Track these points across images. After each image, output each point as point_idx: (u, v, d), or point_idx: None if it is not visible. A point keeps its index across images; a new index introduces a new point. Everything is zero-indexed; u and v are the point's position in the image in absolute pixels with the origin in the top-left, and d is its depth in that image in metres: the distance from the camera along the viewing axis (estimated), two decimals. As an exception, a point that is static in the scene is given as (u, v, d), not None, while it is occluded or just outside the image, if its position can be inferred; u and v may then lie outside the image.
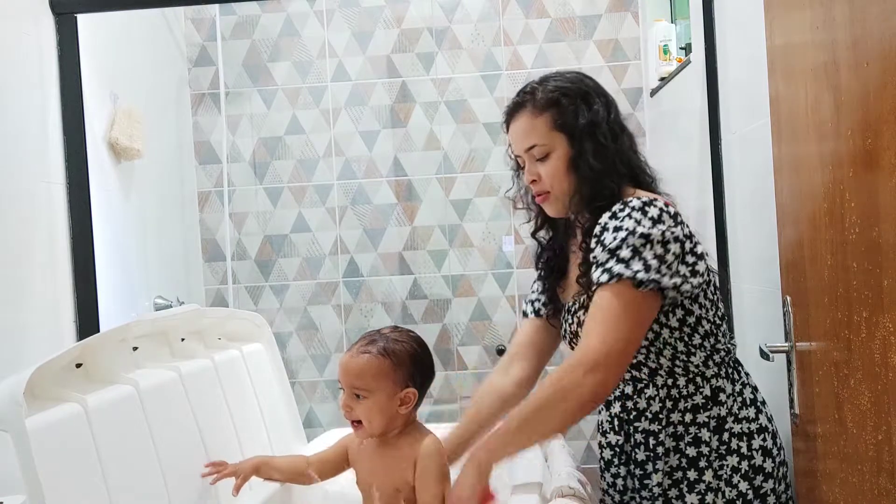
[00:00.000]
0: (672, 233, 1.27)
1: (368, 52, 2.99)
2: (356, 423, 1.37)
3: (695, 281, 1.30)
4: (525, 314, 1.63)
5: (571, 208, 1.39)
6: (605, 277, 1.25)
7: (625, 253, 1.25)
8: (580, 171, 1.35)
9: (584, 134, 1.36)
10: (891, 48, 0.94)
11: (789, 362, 1.38)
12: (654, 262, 1.24)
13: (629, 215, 1.27)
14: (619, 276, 1.24)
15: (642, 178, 1.42)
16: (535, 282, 1.59)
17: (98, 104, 2.22)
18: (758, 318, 1.86)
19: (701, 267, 1.32)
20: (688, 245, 1.30)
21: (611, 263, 1.26)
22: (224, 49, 2.97)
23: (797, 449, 1.41)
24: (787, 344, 1.38)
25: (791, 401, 1.38)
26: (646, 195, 1.33)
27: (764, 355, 1.42)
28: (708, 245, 2.09)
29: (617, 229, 1.27)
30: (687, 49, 2.44)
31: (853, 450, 1.12)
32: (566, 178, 1.37)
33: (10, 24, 1.80)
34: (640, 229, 1.25)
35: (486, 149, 2.97)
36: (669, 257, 1.26)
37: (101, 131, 2.23)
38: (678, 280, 1.27)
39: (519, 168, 1.47)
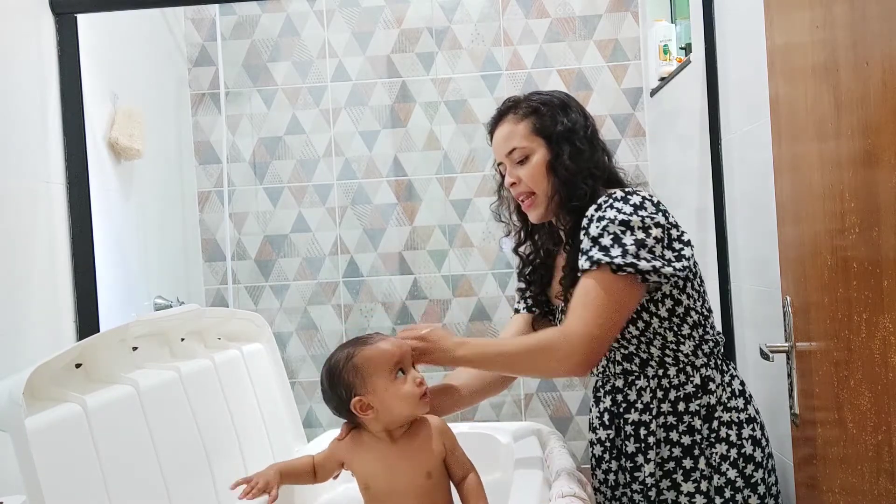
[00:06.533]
0: (653, 219, 1.33)
1: (368, 52, 2.99)
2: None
3: (679, 265, 1.34)
4: (517, 310, 1.68)
5: (552, 210, 1.46)
6: (586, 265, 1.32)
7: (606, 240, 1.31)
8: (557, 173, 1.43)
9: (561, 139, 1.44)
10: (891, 48, 0.94)
11: (789, 362, 1.38)
12: (632, 248, 1.30)
13: (611, 205, 1.34)
14: (599, 262, 1.30)
15: (618, 185, 1.47)
16: (517, 290, 1.66)
17: (98, 104, 2.21)
18: (758, 318, 1.86)
19: (687, 252, 1.37)
20: (674, 233, 1.36)
21: (593, 251, 1.32)
22: (224, 49, 2.97)
23: (797, 449, 1.41)
24: (787, 344, 1.38)
25: (791, 401, 1.38)
26: (629, 189, 1.40)
27: (764, 355, 1.42)
28: (708, 245, 2.10)
29: (600, 219, 1.34)
30: (687, 49, 2.44)
31: (853, 450, 1.12)
32: (545, 180, 1.44)
33: (10, 24, 1.79)
34: (620, 216, 1.32)
35: (485, 149, 2.96)
36: (650, 241, 1.31)
37: (101, 131, 2.23)
38: (658, 263, 1.31)
39: (503, 179, 1.53)
